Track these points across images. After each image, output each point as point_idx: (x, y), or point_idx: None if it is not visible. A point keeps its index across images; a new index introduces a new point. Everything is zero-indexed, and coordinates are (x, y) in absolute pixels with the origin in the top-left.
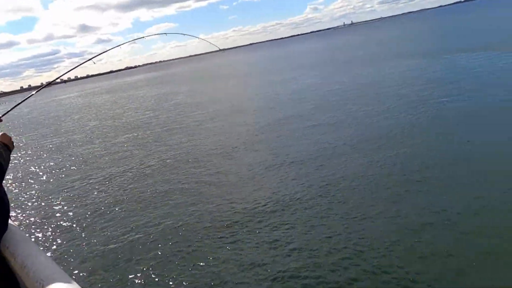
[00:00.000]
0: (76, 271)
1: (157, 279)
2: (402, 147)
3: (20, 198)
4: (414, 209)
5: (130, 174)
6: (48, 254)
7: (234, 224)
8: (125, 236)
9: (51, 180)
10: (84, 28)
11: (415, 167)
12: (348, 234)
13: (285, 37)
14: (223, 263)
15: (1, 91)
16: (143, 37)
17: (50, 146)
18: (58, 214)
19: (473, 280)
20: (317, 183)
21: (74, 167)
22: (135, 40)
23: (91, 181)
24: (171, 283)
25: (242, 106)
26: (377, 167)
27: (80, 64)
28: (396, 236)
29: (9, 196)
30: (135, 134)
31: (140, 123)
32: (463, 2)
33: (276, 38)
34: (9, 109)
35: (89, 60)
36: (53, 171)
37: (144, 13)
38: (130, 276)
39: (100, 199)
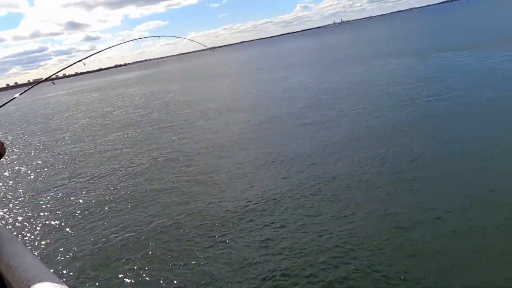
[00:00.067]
0: (63, 271)
1: (147, 279)
2: (392, 146)
3: (6, 196)
4: (404, 207)
5: (120, 173)
6: (35, 253)
7: (225, 223)
8: (115, 236)
9: (39, 178)
10: (71, 25)
11: (405, 165)
12: (339, 233)
13: (276, 36)
14: (213, 262)
15: None
16: (136, 39)
17: (38, 144)
18: (45, 213)
19: (462, 278)
20: (307, 181)
21: (62, 166)
22: (125, 40)
23: (80, 179)
24: (161, 282)
25: (233, 105)
26: (367, 166)
27: (71, 65)
28: (386, 235)
29: None
30: (125, 133)
31: (130, 122)
32: (451, 1)
33: (266, 36)
34: None
35: (80, 61)
36: (41, 170)
37: (133, 10)
38: (119, 276)
39: (89, 198)
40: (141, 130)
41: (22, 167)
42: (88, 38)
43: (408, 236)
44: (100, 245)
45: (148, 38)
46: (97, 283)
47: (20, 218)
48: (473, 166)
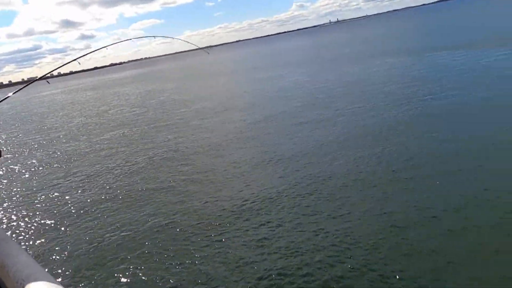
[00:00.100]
0: (58, 270)
1: (142, 278)
2: (387, 145)
3: (1, 196)
4: (400, 206)
5: (116, 172)
6: (30, 253)
7: (221, 222)
8: (110, 235)
9: (34, 177)
10: (66, 23)
11: (400, 164)
12: (335, 232)
13: (272, 35)
14: (210, 261)
15: None
16: (131, 39)
17: (33, 143)
18: (40, 212)
19: (457, 276)
20: (303, 180)
21: (57, 165)
22: (121, 38)
23: (75, 178)
24: (157, 281)
25: (229, 104)
26: (363, 165)
27: (66, 64)
28: (382, 234)
29: None
30: (121, 132)
31: (125, 120)
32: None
33: (262, 35)
34: None
35: (75, 60)
36: (36, 169)
37: (128, 9)
38: (114, 275)
39: (84, 197)
40: (137, 129)
41: (17, 166)
42: (83, 37)
43: (404, 235)
44: (95, 244)
45: (144, 37)
46: (92, 283)
47: (14, 218)
48: (468, 165)
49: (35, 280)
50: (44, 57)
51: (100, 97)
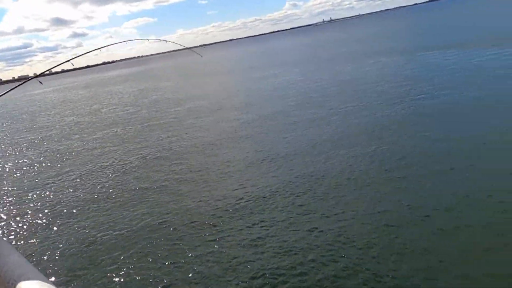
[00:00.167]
0: (51, 270)
1: (136, 277)
2: (381, 144)
3: None
4: (392, 205)
5: (108, 171)
6: (21, 253)
7: (214, 221)
8: (103, 234)
9: (25, 176)
10: (57, 21)
11: (393, 163)
12: (328, 231)
13: (265, 33)
14: (203, 261)
15: None
16: (125, 41)
17: (24, 142)
18: (32, 212)
19: (449, 275)
20: (297, 180)
21: (49, 164)
22: (113, 37)
23: (67, 178)
24: (150, 280)
25: (223, 103)
26: (356, 164)
27: (59, 64)
28: (375, 233)
29: None
30: (114, 130)
31: (118, 119)
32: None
33: (255, 34)
34: None
35: (68, 61)
36: (27, 168)
37: (120, 7)
38: (107, 275)
39: (77, 197)
40: (130, 128)
41: (7, 164)
42: (75, 35)
43: (397, 234)
44: (88, 243)
45: (137, 35)
46: (84, 282)
47: (5, 217)
48: (460, 165)
49: (27, 280)
50: (35, 55)
51: (93, 95)
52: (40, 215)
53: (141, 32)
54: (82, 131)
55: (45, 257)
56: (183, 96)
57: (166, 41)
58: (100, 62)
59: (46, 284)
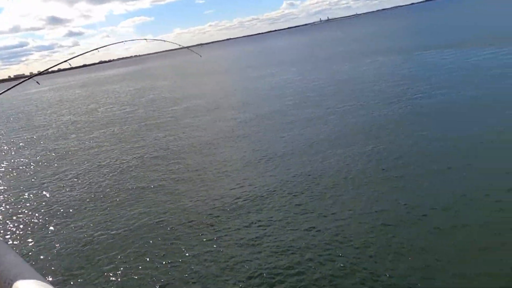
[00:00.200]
0: (48, 270)
1: (133, 277)
2: (378, 144)
3: None
4: (390, 205)
5: (105, 170)
6: (18, 252)
7: (211, 221)
8: (100, 234)
9: (22, 175)
10: (53, 20)
11: (390, 163)
12: (325, 230)
13: (262, 33)
14: (200, 260)
15: None
16: (123, 41)
17: (20, 141)
18: (28, 211)
19: (447, 275)
20: (294, 179)
21: (46, 163)
22: (109, 36)
23: (64, 177)
24: (147, 280)
25: (220, 102)
26: (353, 163)
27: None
28: (372, 232)
29: None
30: (111, 130)
31: (115, 119)
32: None
33: (253, 33)
34: None
35: (65, 61)
36: (23, 167)
37: (117, 6)
38: (104, 274)
39: (74, 196)
40: (127, 127)
41: (3, 164)
42: (71, 34)
43: (394, 233)
44: (85, 243)
45: (134, 34)
46: (81, 282)
47: (1, 217)
48: (457, 164)
49: (24, 279)
50: (31, 54)
51: (90, 95)
52: (37, 214)
53: (138, 31)
54: (79, 130)
55: (42, 257)
56: (180, 95)
57: (164, 41)
58: (97, 61)
59: (42, 283)
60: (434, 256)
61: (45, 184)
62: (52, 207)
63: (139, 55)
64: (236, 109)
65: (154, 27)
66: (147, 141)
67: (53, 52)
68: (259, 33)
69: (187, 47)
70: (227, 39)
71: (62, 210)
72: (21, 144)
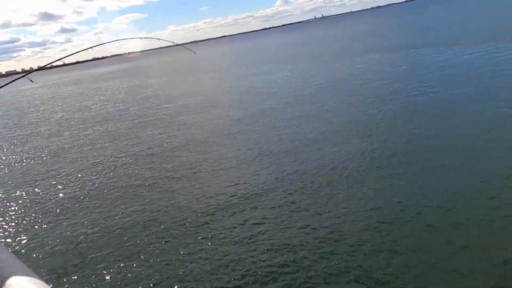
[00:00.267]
0: (41, 268)
1: (127, 275)
2: (372, 141)
3: None
4: (384, 203)
5: (99, 168)
6: (11, 250)
7: (206, 219)
8: (94, 232)
9: (14, 173)
10: (45, 16)
11: (385, 161)
12: (320, 228)
13: (257, 30)
14: (195, 258)
15: None
16: (118, 40)
17: (12, 138)
18: (21, 209)
19: (441, 272)
20: (289, 177)
21: (38, 161)
22: (102, 33)
23: (57, 175)
24: (142, 277)
25: (215, 100)
26: (348, 161)
27: (51, 63)
28: (367, 230)
29: None
30: (105, 127)
31: (109, 116)
32: None
33: (247, 31)
34: None
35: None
36: (16, 164)
37: (109, 2)
38: (98, 272)
39: (67, 194)
40: (121, 124)
41: None
42: (63, 30)
43: (388, 231)
44: (79, 241)
45: (127, 31)
46: (75, 279)
47: None
48: (451, 162)
49: (17, 277)
50: (23, 50)
51: (83, 92)
52: (30, 212)
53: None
54: (72, 127)
55: (35, 255)
56: (175, 93)
57: (158, 39)
58: (90, 58)
59: (36, 281)
60: (428, 253)
61: (38, 182)
62: (45, 205)
63: (133, 52)
64: (231, 107)
65: (147, 24)
66: (141, 138)
67: (45, 49)
68: (254, 31)
69: (181, 45)
70: (222, 37)
71: (55, 208)
72: (13, 141)
